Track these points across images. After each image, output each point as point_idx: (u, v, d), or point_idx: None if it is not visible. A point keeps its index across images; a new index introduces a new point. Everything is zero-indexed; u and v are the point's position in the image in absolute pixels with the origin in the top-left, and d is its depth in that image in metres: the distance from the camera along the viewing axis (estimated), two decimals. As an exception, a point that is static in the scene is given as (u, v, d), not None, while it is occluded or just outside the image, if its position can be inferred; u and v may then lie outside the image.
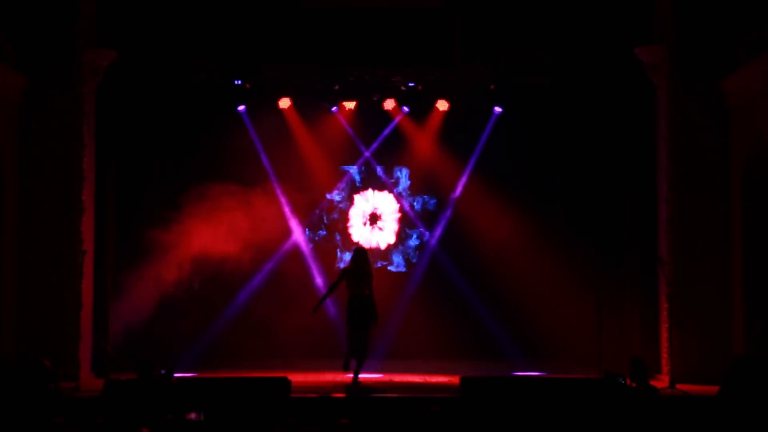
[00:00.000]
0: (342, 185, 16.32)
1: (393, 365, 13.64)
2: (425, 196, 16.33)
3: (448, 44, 14.17)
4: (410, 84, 15.46)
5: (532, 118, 15.71)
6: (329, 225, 16.28)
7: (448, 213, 16.06)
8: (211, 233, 15.27)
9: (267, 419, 9.28)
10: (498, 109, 15.83)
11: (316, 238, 16.24)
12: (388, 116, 16.05)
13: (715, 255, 13.01)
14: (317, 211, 16.24)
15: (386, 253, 16.23)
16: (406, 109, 16.01)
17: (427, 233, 16.24)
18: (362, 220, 16.32)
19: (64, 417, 7.84)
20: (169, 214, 15.04)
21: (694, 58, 13.07)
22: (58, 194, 13.00)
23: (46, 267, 12.84)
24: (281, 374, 11.02)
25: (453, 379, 12.32)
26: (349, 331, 12.32)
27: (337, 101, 15.89)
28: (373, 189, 16.34)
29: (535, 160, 15.85)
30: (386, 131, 16.16)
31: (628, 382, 9.30)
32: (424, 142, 16.21)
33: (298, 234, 16.02)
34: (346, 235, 16.26)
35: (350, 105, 15.89)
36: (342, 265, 15.93)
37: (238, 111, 15.70)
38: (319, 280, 16.02)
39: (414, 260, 16.17)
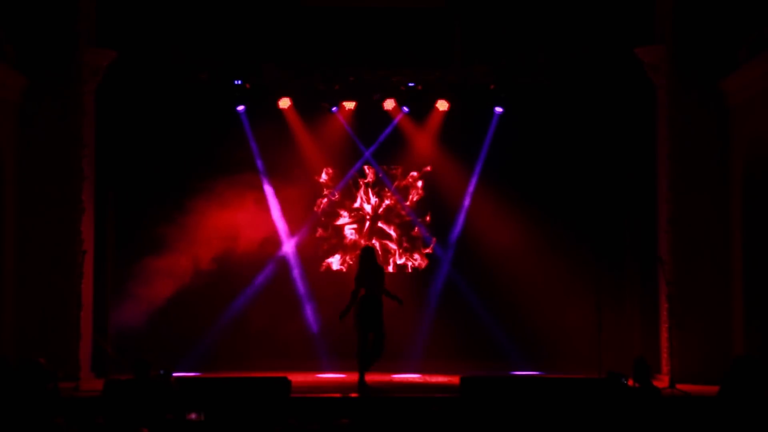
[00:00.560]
0: (342, 185, 16.31)
1: (393, 365, 13.63)
2: (425, 196, 16.32)
3: (448, 44, 14.18)
4: (410, 84, 15.45)
5: (532, 118, 15.70)
6: (329, 225, 16.28)
7: (461, 220, 16.01)
8: (212, 233, 15.28)
9: (267, 419, 9.29)
10: (499, 109, 15.82)
11: (316, 239, 16.22)
12: (388, 116, 16.04)
13: (715, 255, 13.01)
14: (317, 211, 16.23)
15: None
16: (406, 109, 16.01)
17: (427, 233, 16.23)
18: (362, 221, 16.32)
19: (64, 417, 7.84)
20: (169, 214, 15.03)
21: (694, 58, 13.07)
22: (58, 194, 13.00)
23: (46, 267, 12.84)
24: (281, 374, 11.01)
25: (453, 379, 12.32)
26: (359, 332, 12.15)
27: (337, 101, 15.88)
28: (373, 189, 16.34)
29: (535, 160, 15.83)
30: (386, 131, 16.16)
31: (630, 382, 9.29)
32: (424, 142, 16.20)
33: (297, 234, 16.01)
34: (346, 235, 16.26)
35: (350, 105, 15.88)
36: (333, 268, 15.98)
37: (237, 111, 15.69)
38: (319, 280, 16.04)
39: (414, 260, 16.16)
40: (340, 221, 16.29)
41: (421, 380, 13.07)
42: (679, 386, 11.79)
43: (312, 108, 15.92)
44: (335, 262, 16.21)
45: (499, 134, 15.99)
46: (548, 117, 15.59)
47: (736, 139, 12.88)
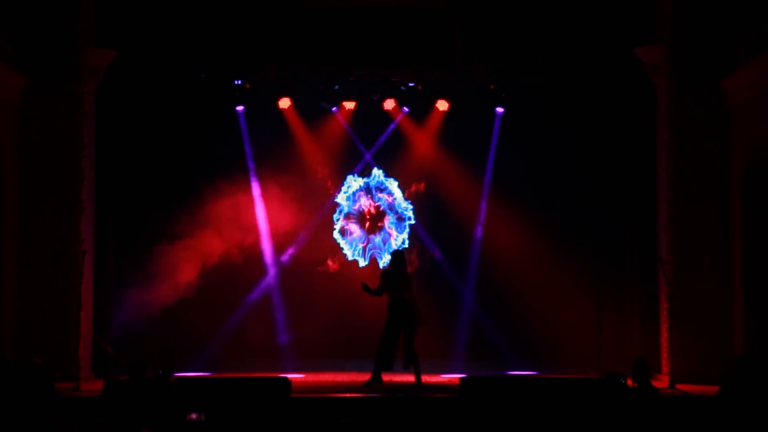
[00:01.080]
0: (342, 185, 16.32)
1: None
2: (425, 196, 16.32)
3: (448, 44, 14.17)
4: (410, 84, 15.45)
5: (532, 117, 15.71)
6: (329, 225, 16.28)
7: (461, 220, 16.00)
8: (212, 233, 15.29)
9: (267, 419, 9.29)
10: (500, 109, 15.81)
11: (316, 239, 16.23)
12: (388, 116, 16.05)
13: (715, 255, 13.02)
14: (317, 211, 16.23)
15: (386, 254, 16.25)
16: (406, 109, 16.01)
17: (426, 233, 16.24)
18: (362, 220, 16.33)
19: (64, 417, 7.84)
20: (169, 214, 15.04)
21: (694, 58, 13.07)
22: (58, 194, 13.00)
23: (46, 267, 12.84)
24: (281, 374, 11.01)
25: (453, 379, 12.32)
26: (384, 335, 12.22)
27: (337, 101, 15.89)
28: (373, 189, 16.34)
29: (535, 160, 15.84)
30: (387, 132, 16.17)
31: (630, 382, 9.29)
32: (424, 142, 16.21)
33: (297, 235, 16.00)
34: (346, 236, 16.26)
35: (350, 105, 15.89)
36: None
37: (237, 111, 15.68)
38: (318, 281, 16.06)
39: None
40: (340, 221, 16.29)
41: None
42: (679, 386, 11.79)
43: (312, 108, 15.93)
44: (334, 262, 16.22)
45: (499, 134, 15.99)
46: (548, 117, 15.59)
47: (736, 139, 12.88)
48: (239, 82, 15.27)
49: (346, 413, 10.16)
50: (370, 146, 16.34)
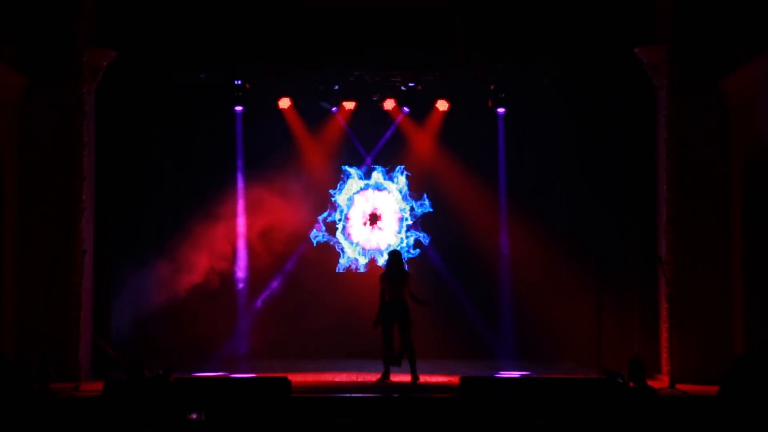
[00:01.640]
0: (342, 185, 16.32)
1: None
2: (425, 196, 16.33)
3: (448, 44, 14.16)
4: (410, 84, 15.46)
5: (532, 117, 15.71)
6: (329, 225, 16.29)
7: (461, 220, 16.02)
8: (212, 233, 15.30)
9: (267, 419, 9.29)
10: (501, 110, 15.81)
11: (316, 239, 16.24)
12: (388, 116, 16.06)
13: (715, 255, 13.01)
14: (317, 211, 16.24)
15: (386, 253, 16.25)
16: (406, 109, 16.01)
17: (426, 233, 16.25)
18: (362, 220, 16.34)
19: (64, 417, 7.85)
20: (169, 214, 15.04)
21: (694, 58, 13.06)
22: (58, 194, 13.00)
23: (46, 267, 12.82)
24: (281, 374, 11.01)
25: (453, 379, 12.32)
26: (384, 336, 12.65)
27: (337, 101, 15.89)
28: (373, 189, 16.35)
29: (535, 160, 15.85)
30: (388, 134, 16.18)
31: (631, 383, 9.30)
32: (424, 142, 16.21)
33: (297, 234, 16.00)
34: (346, 236, 16.27)
35: (350, 105, 15.89)
36: (344, 268, 16.02)
37: (235, 111, 15.68)
38: (318, 280, 16.07)
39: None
40: (340, 221, 16.30)
41: (421, 380, 13.05)
42: (679, 386, 11.78)
43: (312, 108, 15.93)
44: (334, 262, 16.24)
45: (498, 133, 16.01)
46: (548, 117, 15.60)
47: (736, 139, 12.87)
48: (239, 82, 15.27)
49: (346, 413, 10.16)
50: (370, 146, 16.35)
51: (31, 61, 12.92)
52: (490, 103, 15.63)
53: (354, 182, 16.33)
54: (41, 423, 8.85)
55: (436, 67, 14.82)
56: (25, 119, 12.98)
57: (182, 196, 15.34)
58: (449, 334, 15.39)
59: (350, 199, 16.31)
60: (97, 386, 10.30)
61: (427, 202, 16.32)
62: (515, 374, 13.62)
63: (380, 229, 16.30)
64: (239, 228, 15.43)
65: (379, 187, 16.35)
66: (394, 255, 13.08)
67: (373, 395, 11.23)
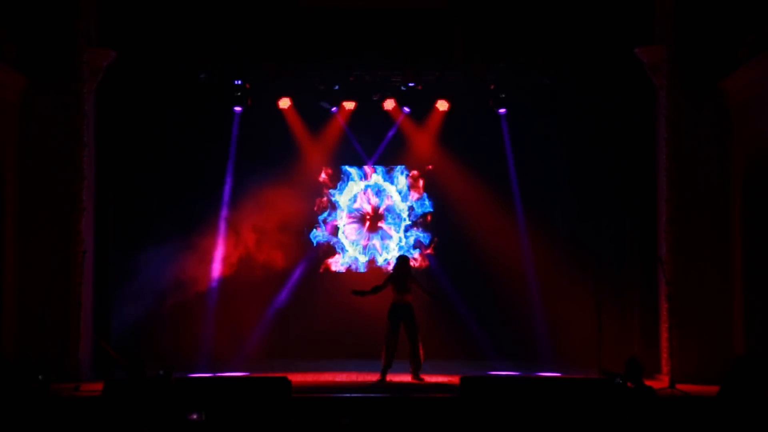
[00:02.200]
0: (342, 185, 16.32)
1: (393, 365, 13.60)
2: (425, 196, 16.33)
3: (448, 44, 14.16)
4: (410, 84, 15.45)
5: (532, 117, 15.71)
6: (329, 225, 16.29)
7: (460, 220, 16.03)
8: (212, 232, 15.30)
9: (267, 419, 9.29)
10: (502, 110, 15.81)
11: (316, 239, 16.24)
12: (388, 116, 16.05)
13: (715, 255, 13.01)
14: (317, 211, 16.24)
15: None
16: (407, 109, 16.01)
17: (426, 233, 16.25)
18: (362, 220, 16.33)
19: (64, 416, 7.85)
20: (169, 214, 15.03)
21: (694, 58, 13.06)
22: (58, 194, 13.00)
23: (46, 267, 12.83)
24: (281, 374, 11.01)
25: (453, 379, 12.32)
26: (387, 337, 12.81)
27: (337, 101, 15.88)
28: (373, 189, 16.35)
29: (535, 160, 15.85)
30: (387, 138, 16.19)
31: (630, 383, 9.30)
32: (424, 142, 16.21)
33: (297, 234, 15.99)
34: (346, 235, 16.27)
35: (350, 105, 15.89)
36: (344, 268, 16.04)
37: (234, 112, 15.67)
38: (318, 280, 16.07)
39: (414, 260, 16.15)
40: (340, 221, 16.30)
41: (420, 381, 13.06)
42: (679, 386, 11.78)
43: (312, 108, 15.93)
44: (334, 263, 16.23)
45: (499, 133, 16.00)
46: (548, 117, 15.59)
47: (736, 139, 12.88)
48: (239, 82, 15.26)
49: (346, 413, 10.16)
50: (370, 146, 16.33)
51: (31, 61, 12.92)
52: (491, 103, 15.63)
53: (354, 182, 16.33)
54: (42, 423, 8.86)
55: (436, 67, 14.81)
56: (25, 119, 12.99)
57: (182, 195, 15.32)
58: (449, 334, 15.37)
59: (350, 199, 16.31)
60: (97, 386, 10.30)
61: (427, 202, 16.32)
62: (515, 374, 13.62)
63: (380, 229, 16.30)
64: (239, 228, 15.40)
65: (379, 187, 16.35)
66: (402, 259, 13.29)
67: (373, 395, 11.23)
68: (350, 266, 16.25)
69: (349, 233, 16.30)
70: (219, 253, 15.25)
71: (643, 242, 14.06)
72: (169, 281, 14.94)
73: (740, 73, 12.51)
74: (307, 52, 14.23)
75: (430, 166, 16.22)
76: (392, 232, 16.27)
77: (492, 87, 15.46)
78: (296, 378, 11.11)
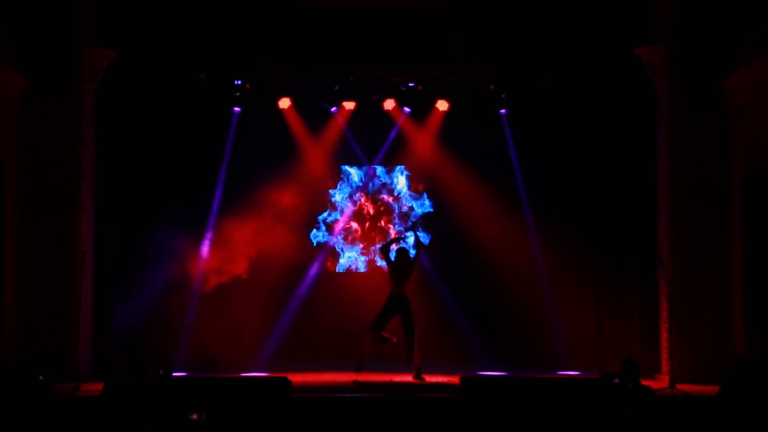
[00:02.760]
0: (342, 185, 16.32)
1: (393, 365, 13.63)
2: (425, 196, 16.32)
3: (448, 44, 14.16)
4: (410, 84, 15.45)
5: (532, 117, 15.71)
6: (329, 225, 16.29)
7: (460, 219, 16.03)
8: (212, 232, 15.28)
9: (267, 419, 9.29)
10: (502, 110, 15.81)
11: (316, 239, 16.23)
12: (388, 116, 16.05)
13: (715, 255, 13.01)
14: (317, 211, 16.24)
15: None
16: (407, 109, 16.01)
17: (426, 233, 16.25)
18: (362, 220, 16.33)
19: (64, 417, 7.86)
20: (170, 214, 15.03)
21: (694, 58, 13.07)
22: (58, 194, 13.00)
23: (46, 267, 12.84)
24: (281, 374, 11.01)
25: (453, 379, 12.33)
26: (375, 324, 12.90)
27: (337, 101, 15.88)
28: (373, 189, 16.34)
29: (535, 160, 15.84)
30: (389, 141, 16.19)
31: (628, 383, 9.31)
32: (424, 142, 16.21)
33: (297, 235, 15.98)
34: (346, 236, 16.27)
35: (350, 105, 15.89)
36: (344, 268, 16.03)
37: (233, 112, 15.67)
38: (318, 280, 16.07)
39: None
40: (340, 221, 16.29)
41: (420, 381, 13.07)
42: (679, 386, 11.79)
43: (312, 108, 15.92)
44: (335, 263, 16.23)
45: (499, 134, 16.00)
46: (548, 117, 15.59)
47: (736, 139, 12.88)
48: (239, 82, 15.26)
49: (346, 413, 10.17)
50: (370, 146, 16.32)
51: (31, 61, 12.92)
52: (491, 104, 15.64)
53: (354, 182, 16.32)
54: (42, 423, 8.86)
55: (436, 67, 14.81)
56: (25, 119, 12.99)
57: (182, 195, 15.31)
58: (449, 334, 15.38)
59: (350, 200, 16.30)
60: (97, 386, 10.31)
61: (427, 202, 16.33)
62: (515, 374, 13.62)
63: (380, 229, 16.29)
64: (239, 228, 15.39)
65: (378, 187, 16.34)
66: (401, 251, 13.31)
67: (373, 395, 11.23)
68: (350, 266, 16.25)
69: (349, 233, 16.29)
70: (219, 253, 15.23)
71: (643, 242, 14.07)
72: (169, 281, 14.94)
73: (740, 73, 12.51)
74: (308, 52, 14.23)
75: (421, 186, 16.22)
76: (392, 232, 16.26)
77: (492, 87, 15.46)
78: (296, 378, 11.12)
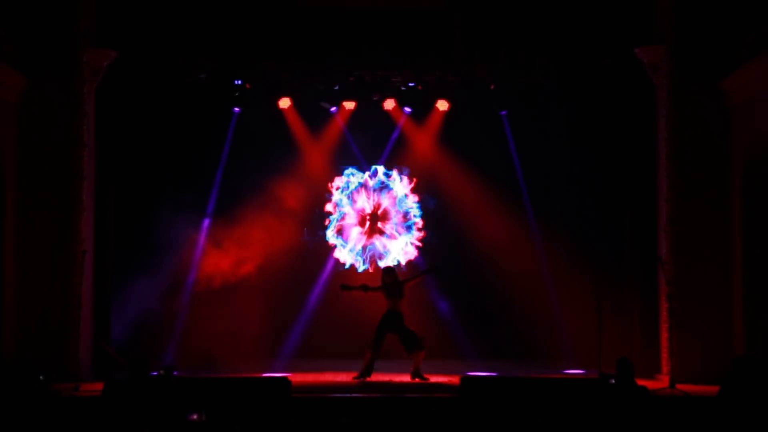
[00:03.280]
0: (342, 185, 16.32)
1: (393, 365, 13.63)
2: (425, 196, 16.33)
3: (448, 44, 14.16)
4: (410, 84, 15.45)
5: (532, 117, 15.71)
6: (329, 225, 16.29)
7: (460, 220, 16.04)
8: (212, 233, 15.29)
9: (267, 419, 9.29)
10: (503, 111, 15.81)
11: (316, 238, 16.24)
12: (388, 116, 16.05)
13: (715, 255, 13.01)
14: (317, 211, 16.24)
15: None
16: (408, 109, 16.01)
17: (426, 232, 16.25)
18: (362, 220, 16.33)
19: (64, 417, 7.86)
20: (170, 214, 15.04)
21: (694, 58, 13.07)
22: (58, 194, 13.01)
23: (46, 267, 12.84)
24: (281, 374, 11.02)
25: (453, 379, 12.33)
26: (374, 340, 12.81)
27: (337, 101, 15.89)
28: (373, 189, 16.35)
29: (535, 160, 15.85)
30: (390, 142, 16.21)
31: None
32: (424, 142, 16.21)
33: (298, 235, 16.00)
34: (346, 235, 16.27)
35: (350, 105, 15.89)
36: (344, 268, 16.06)
37: (233, 112, 15.67)
38: (318, 280, 16.08)
39: (414, 260, 16.16)
40: (340, 221, 16.29)
41: (420, 381, 13.06)
42: (679, 386, 11.79)
43: (312, 108, 15.93)
44: (335, 263, 16.23)
45: (499, 133, 16.01)
46: (548, 117, 15.60)
47: (736, 139, 12.88)
48: (239, 82, 15.27)
49: (346, 413, 10.17)
50: (370, 146, 16.33)
51: (31, 61, 12.92)
52: (491, 104, 15.64)
53: (354, 182, 16.32)
54: (42, 423, 8.86)
55: (436, 67, 14.82)
56: (25, 119, 12.99)
57: (182, 195, 15.31)
58: (449, 334, 15.39)
59: (350, 200, 16.30)
60: (97, 386, 10.31)
61: (432, 201, 16.30)
62: (515, 374, 13.62)
63: (380, 228, 16.30)
64: (239, 228, 15.40)
65: (378, 188, 16.34)
66: (388, 270, 13.28)
67: (373, 395, 11.23)
68: (350, 266, 16.24)
69: (349, 233, 16.29)
70: (219, 253, 15.23)
71: (643, 242, 14.07)
72: (169, 281, 14.94)
73: (740, 73, 12.51)
74: (307, 52, 14.23)
75: (428, 169, 16.21)
76: (392, 233, 16.27)
77: (492, 87, 15.46)
78: (296, 378, 11.12)
